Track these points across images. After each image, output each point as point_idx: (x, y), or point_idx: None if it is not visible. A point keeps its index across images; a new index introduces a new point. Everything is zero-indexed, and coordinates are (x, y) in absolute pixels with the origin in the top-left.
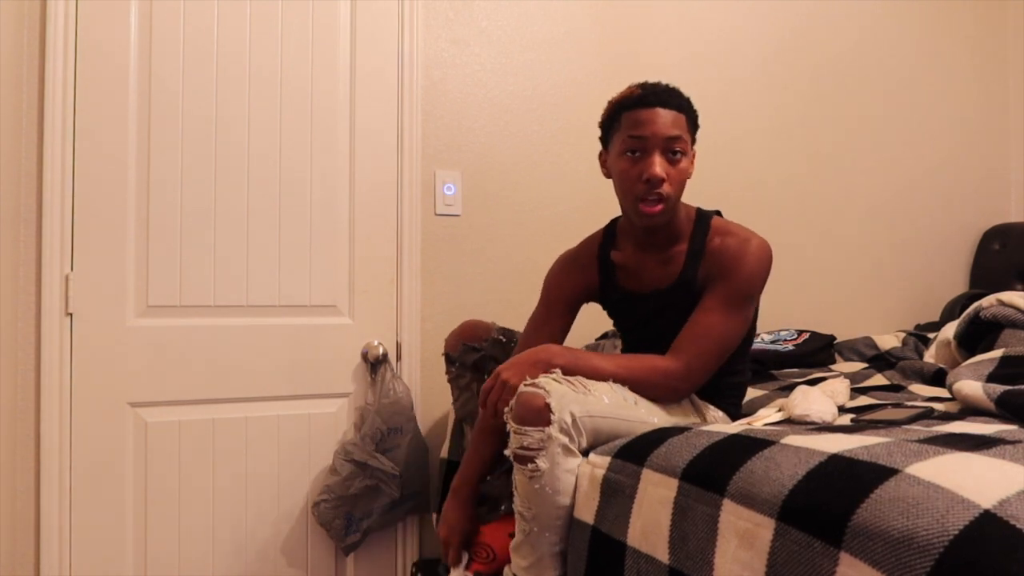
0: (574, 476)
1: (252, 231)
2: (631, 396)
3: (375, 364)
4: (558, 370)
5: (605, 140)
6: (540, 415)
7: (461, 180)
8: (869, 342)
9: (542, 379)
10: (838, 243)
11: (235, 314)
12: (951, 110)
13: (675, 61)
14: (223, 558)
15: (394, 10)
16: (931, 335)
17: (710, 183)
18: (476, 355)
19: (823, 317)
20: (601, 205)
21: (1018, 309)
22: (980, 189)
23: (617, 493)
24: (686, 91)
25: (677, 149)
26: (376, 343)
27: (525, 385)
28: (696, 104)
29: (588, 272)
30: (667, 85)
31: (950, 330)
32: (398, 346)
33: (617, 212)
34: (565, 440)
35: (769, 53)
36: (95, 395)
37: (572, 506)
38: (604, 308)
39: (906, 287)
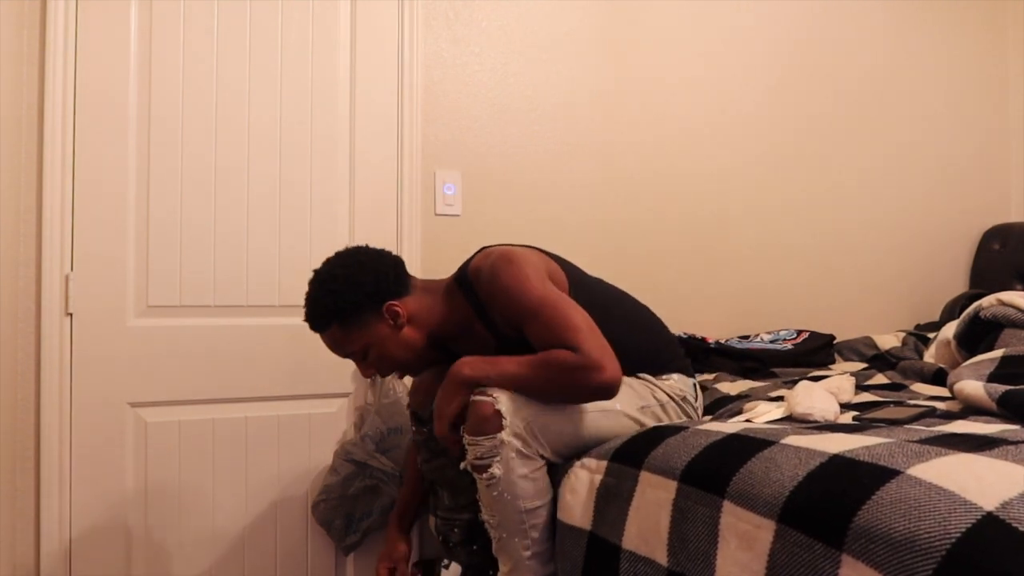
0: (532, 481)
1: (252, 231)
2: None
3: None
4: None
5: None
6: (491, 423)
7: (461, 180)
8: (869, 342)
9: (492, 387)
10: (838, 243)
11: (235, 314)
12: (951, 110)
13: (676, 61)
14: (223, 558)
15: (394, 10)
16: (931, 335)
17: (709, 182)
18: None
19: (823, 317)
20: (601, 204)
21: (1018, 309)
22: (980, 189)
23: (614, 497)
24: (686, 92)
25: (355, 358)
26: None
27: (475, 395)
28: (696, 104)
29: None
30: (308, 309)
31: (950, 330)
32: None
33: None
34: (518, 444)
35: (769, 53)
36: (95, 395)
37: (537, 509)
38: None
39: (906, 287)
